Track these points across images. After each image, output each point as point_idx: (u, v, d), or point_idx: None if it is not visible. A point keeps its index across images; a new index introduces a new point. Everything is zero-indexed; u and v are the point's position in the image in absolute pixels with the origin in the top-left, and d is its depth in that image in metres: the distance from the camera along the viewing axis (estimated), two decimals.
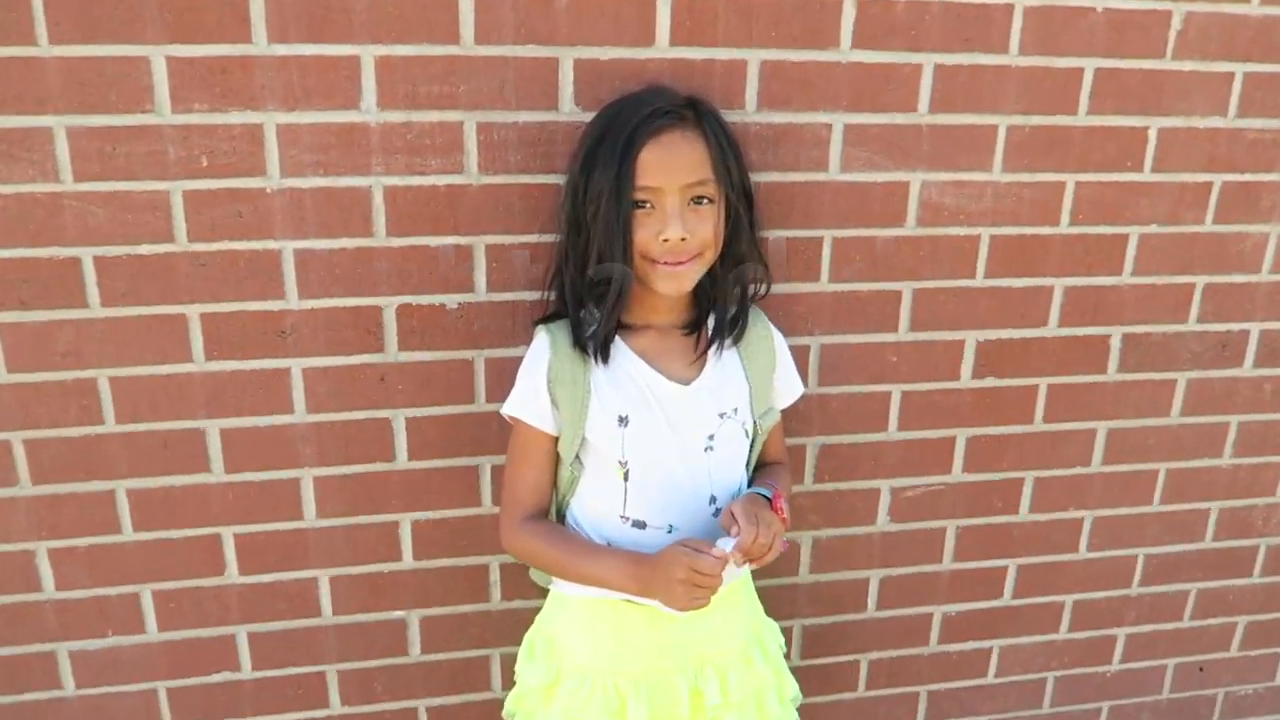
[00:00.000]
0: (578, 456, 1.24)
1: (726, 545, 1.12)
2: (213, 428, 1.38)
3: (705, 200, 1.16)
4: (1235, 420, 1.73)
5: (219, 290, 1.32)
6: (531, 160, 1.33)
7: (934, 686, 1.80)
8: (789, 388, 1.37)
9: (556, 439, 1.25)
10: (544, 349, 1.23)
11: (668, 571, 1.12)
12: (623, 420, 1.21)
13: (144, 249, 1.29)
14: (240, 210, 1.29)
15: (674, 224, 1.13)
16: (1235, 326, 1.66)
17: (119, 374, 1.34)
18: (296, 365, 1.37)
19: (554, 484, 1.29)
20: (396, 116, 1.28)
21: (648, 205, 1.14)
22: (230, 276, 1.32)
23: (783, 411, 1.36)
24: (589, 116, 1.24)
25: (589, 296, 1.22)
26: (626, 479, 1.22)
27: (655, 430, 1.22)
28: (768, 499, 1.22)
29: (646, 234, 1.15)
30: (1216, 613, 1.89)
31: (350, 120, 1.28)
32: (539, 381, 1.22)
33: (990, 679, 1.82)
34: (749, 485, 1.31)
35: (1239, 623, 1.91)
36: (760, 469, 1.36)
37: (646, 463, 1.22)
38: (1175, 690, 1.93)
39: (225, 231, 1.30)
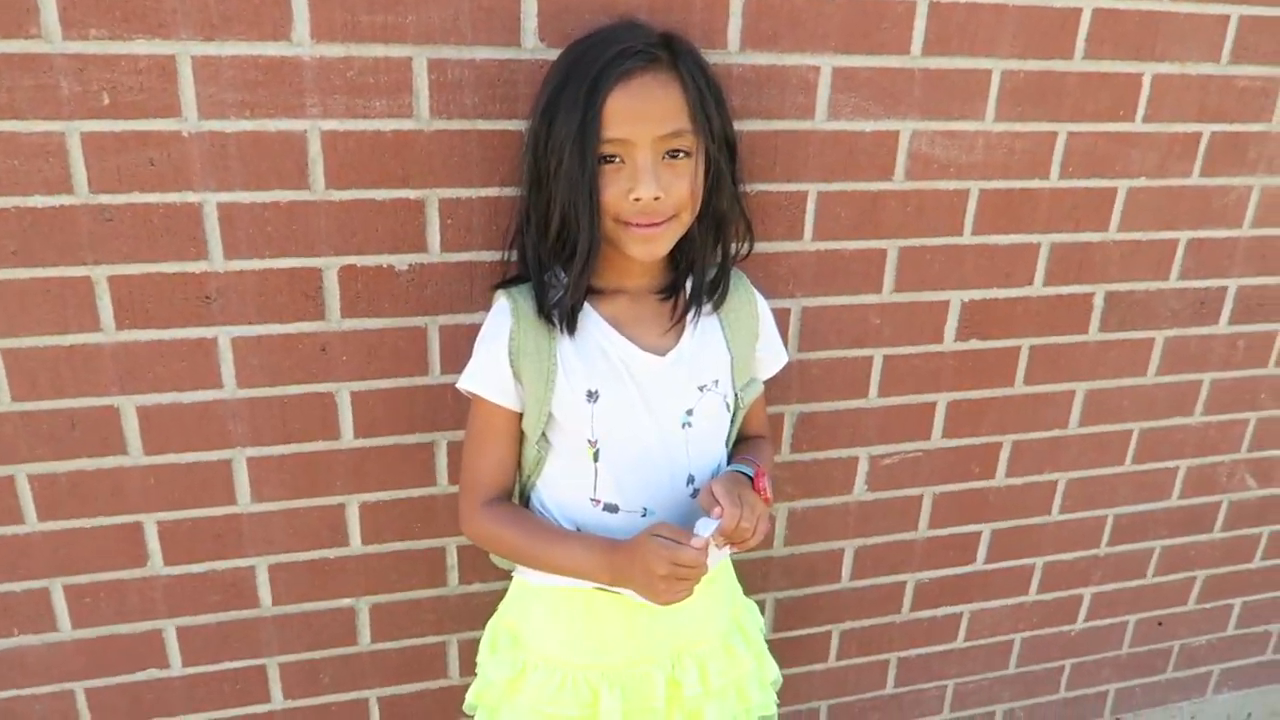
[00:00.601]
0: (544, 434, 1.13)
1: (706, 529, 1.03)
2: (128, 405, 1.23)
3: (681, 153, 1.03)
4: (1208, 378, 1.71)
5: (130, 249, 1.16)
6: (490, 103, 1.18)
7: (904, 653, 1.76)
8: (773, 356, 1.27)
9: (519, 415, 1.13)
10: (505, 316, 1.10)
11: (645, 564, 1.02)
12: (592, 395, 1.10)
13: (36, 200, 1.12)
14: (152, 157, 1.12)
15: (646, 182, 1.00)
16: (1214, 283, 1.63)
17: (12, 345, 1.17)
18: (224, 334, 1.22)
19: (517, 463, 1.18)
20: (334, 50, 1.12)
21: (616, 160, 1.01)
22: (143, 233, 1.15)
23: (764, 381, 1.27)
24: (554, 54, 1.10)
25: (554, 259, 1.09)
26: (597, 459, 1.12)
27: (628, 406, 1.11)
28: (749, 477, 1.12)
29: (615, 192, 1.02)
30: (1178, 568, 1.89)
31: (280, 53, 1.11)
32: (499, 353, 1.10)
33: (959, 643, 1.79)
34: (728, 461, 1.21)
35: (1198, 577, 1.92)
36: (740, 443, 1.27)
37: (618, 441, 1.11)
38: (1134, 645, 1.95)
39: (135, 181, 1.13)
